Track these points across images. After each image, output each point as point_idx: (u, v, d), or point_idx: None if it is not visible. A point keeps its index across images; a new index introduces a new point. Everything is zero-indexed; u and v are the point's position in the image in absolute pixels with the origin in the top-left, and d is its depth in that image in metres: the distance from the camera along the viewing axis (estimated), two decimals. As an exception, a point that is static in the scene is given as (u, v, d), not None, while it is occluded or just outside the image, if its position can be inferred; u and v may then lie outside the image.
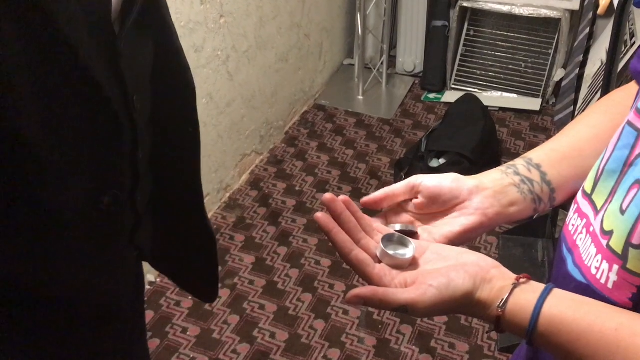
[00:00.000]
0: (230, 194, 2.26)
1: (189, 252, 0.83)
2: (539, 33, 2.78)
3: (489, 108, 2.65)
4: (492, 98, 2.83)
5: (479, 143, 2.28)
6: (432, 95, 2.90)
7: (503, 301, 0.52)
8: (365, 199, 0.64)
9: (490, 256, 0.56)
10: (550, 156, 0.65)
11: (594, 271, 0.52)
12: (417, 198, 0.63)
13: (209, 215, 2.16)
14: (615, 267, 0.50)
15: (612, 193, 0.53)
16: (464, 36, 2.89)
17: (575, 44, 2.19)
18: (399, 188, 0.63)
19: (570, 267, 0.55)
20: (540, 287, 0.52)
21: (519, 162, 0.65)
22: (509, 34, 2.84)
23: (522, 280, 0.53)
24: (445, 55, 2.86)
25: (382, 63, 2.89)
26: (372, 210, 0.64)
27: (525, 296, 0.51)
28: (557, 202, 0.64)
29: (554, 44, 2.75)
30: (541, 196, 0.63)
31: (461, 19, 2.84)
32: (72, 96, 0.52)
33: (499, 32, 2.86)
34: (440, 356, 1.73)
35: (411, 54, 2.99)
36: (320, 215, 0.57)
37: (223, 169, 2.18)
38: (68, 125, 0.52)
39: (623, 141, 0.53)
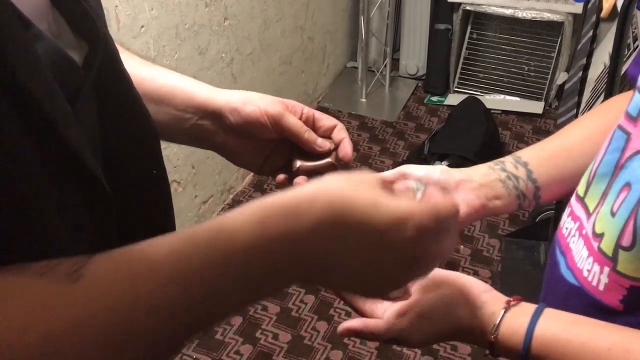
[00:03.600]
0: (233, 195, 2.27)
1: None
2: (542, 36, 2.79)
3: (492, 111, 2.66)
4: (495, 101, 2.84)
5: (481, 146, 2.29)
6: (435, 98, 2.91)
7: (495, 327, 0.52)
8: None
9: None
10: (539, 155, 0.66)
11: (585, 274, 0.53)
12: None
13: (212, 216, 2.18)
14: (606, 270, 0.51)
15: (604, 196, 0.54)
16: (467, 39, 2.90)
17: (579, 47, 2.19)
18: (388, 175, 0.65)
19: (563, 269, 0.57)
20: (532, 308, 0.52)
21: (508, 159, 0.66)
22: (512, 37, 2.85)
23: (512, 303, 0.53)
24: (448, 58, 2.87)
25: (385, 66, 2.90)
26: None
27: (516, 320, 0.52)
28: (542, 200, 0.65)
29: (557, 47, 2.75)
30: (525, 193, 0.64)
31: (464, 22, 2.85)
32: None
33: (501, 36, 2.87)
34: (443, 358, 1.74)
35: (414, 57, 3.00)
36: None
37: (226, 170, 2.20)
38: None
39: (613, 144, 0.55)
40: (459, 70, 2.92)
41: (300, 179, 0.65)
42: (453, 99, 2.82)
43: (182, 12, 1.75)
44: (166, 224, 0.66)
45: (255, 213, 0.39)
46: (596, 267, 0.52)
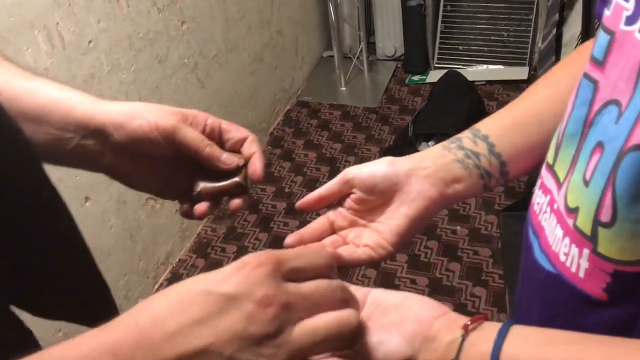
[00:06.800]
0: (218, 204, 2.19)
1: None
2: (518, -1, 2.70)
3: (476, 83, 2.57)
4: (478, 72, 2.74)
5: (466, 120, 2.20)
6: (416, 77, 2.82)
7: None
8: (299, 203, 0.57)
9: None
10: (500, 124, 0.57)
11: (562, 258, 0.45)
12: (353, 192, 0.56)
13: (197, 229, 2.10)
14: (586, 252, 0.42)
15: (574, 161, 0.45)
16: (441, 13, 2.80)
17: (549, 3, 2.09)
18: (332, 185, 0.57)
19: (537, 253, 0.48)
20: (495, 330, 0.42)
21: (465, 135, 0.58)
22: (488, 4, 2.75)
23: (471, 326, 0.43)
24: (424, 35, 2.78)
25: (361, 51, 2.81)
26: (309, 213, 0.58)
27: (477, 349, 0.42)
28: (511, 176, 0.57)
29: (534, 9, 2.66)
30: (490, 170, 0.56)
31: (436, -4, 2.76)
32: None
33: (476, 4, 2.77)
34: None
35: (390, 38, 2.90)
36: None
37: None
38: None
39: (580, 97, 0.46)
40: (437, 45, 2.83)
41: (202, 205, 0.55)
42: (435, 76, 2.72)
43: (134, 20, 1.67)
44: (74, 246, 0.58)
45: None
46: (574, 250, 0.43)
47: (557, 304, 0.46)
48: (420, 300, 0.47)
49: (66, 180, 1.47)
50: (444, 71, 2.65)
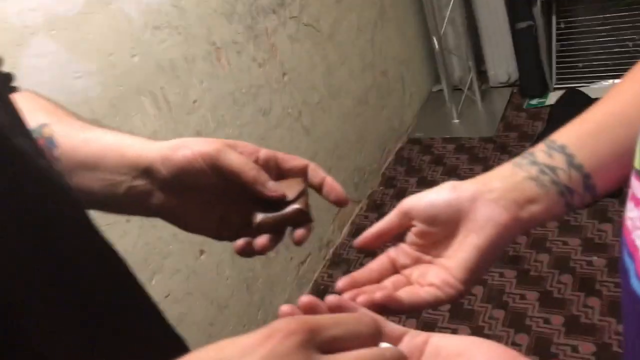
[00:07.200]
0: (333, 249, 2.17)
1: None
2: (641, 5, 2.47)
3: (601, 99, 2.37)
4: (604, 89, 2.52)
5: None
6: (534, 101, 2.66)
7: None
8: (357, 240, 0.52)
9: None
10: (580, 131, 0.49)
11: None
12: (413, 225, 0.51)
13: (314, 275, 2.09)
14: None
15: None
16: (554, 31, 2.64)
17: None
18: (390, 219, 0.51)
19: (633, 280, 0.39)
20: None
21: (539, 148, 0.50)
22: (606, 15, 2.55)
23: None
24: (538, 56, 2.62)
25: (471, 81, 2.71)
26: (371, 252, 0.52)
27: None
28: (600, 190, 0.48)
29: (662, 12, 2.42)
30: (570, 186, 0.47)
31: (547, 14, 2.60)
32: None
33: (594, 17, 2.58)
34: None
35: (502, 64, 2.78)
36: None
37: (320, 225, 2.11)
38: None
39: None
40: (554, 65, 2.66)
41: (263, 238, 0.52)
42: (555, 98, 2.55)
43: (235, 78, 1.74)
44: (143, 304, 0.57)
45: None
46: None
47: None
48: (486, 347, 0.39)
49: (180, 235, 1.53)
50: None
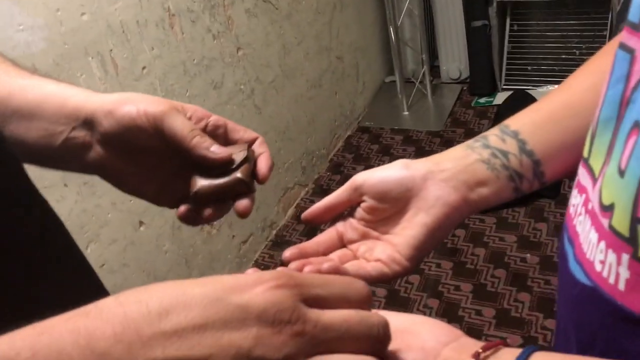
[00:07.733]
0: (276, 231, 2.16)
1: None
2: (590, 15, 2.55)
3: (546, 103, 2.44)
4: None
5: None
6: (482, 100, 2.72)
7: None
8: (305, 214, 0.52)
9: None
10: (533, 119, 0.50)
11: (598, 267, 0.37)
12: (363, 201, 0.50)
13: (255, 255, 2.08)
14: (625, 258, 0.35)
15: (610, 151, 0.38)
16: (507, 32, 2.70)
17: (617, 9, 1.96)
18: (340, 193, 0.51)
19: (572, 264, 0.40)
20: (513, 356, 0.35)
21: (492, 132, 0.51)
22: (558, 22, 2.62)
23: (484, 354, 0.35)
24: (490, 56, 2.68)
25: (424, 74, 2.74)
26: (317, 227, 0.52)
27: None
28: (548, 177, 0.49)
29: (608, 25, 2.51)
30: (521, 171, 0.48)
31: (501, 15, 2.66)
32: None
33: (545, 22, 2.65)
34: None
35: (454, 60, 2.82)
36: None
37: (265, 205, 2.09)
38: None
39: (616, 73, 0.38)
40: (504, 66, 2.72)
41: (208, 209, 0.49)
42: (502, 98, 2.61)
43: (188, 47, 1.69)
44: (68, 252, 0.54)
45: None
46: (611, 256, 0.36)
47: (595, 324, 0.38)
48: (430, 324, 0.39)
49: (119, 204, 1.48)
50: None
